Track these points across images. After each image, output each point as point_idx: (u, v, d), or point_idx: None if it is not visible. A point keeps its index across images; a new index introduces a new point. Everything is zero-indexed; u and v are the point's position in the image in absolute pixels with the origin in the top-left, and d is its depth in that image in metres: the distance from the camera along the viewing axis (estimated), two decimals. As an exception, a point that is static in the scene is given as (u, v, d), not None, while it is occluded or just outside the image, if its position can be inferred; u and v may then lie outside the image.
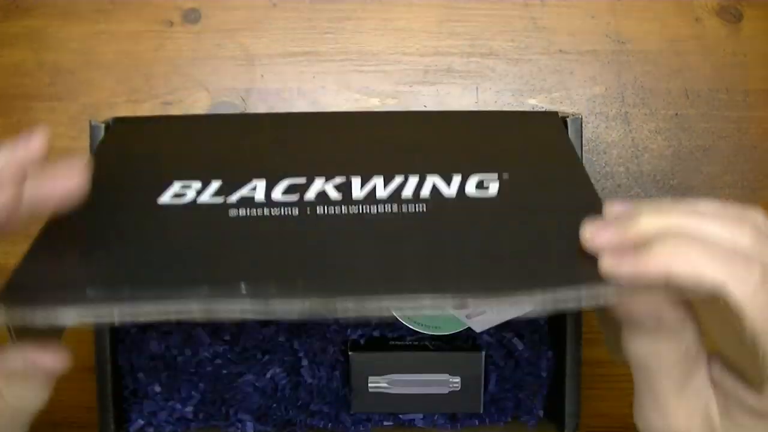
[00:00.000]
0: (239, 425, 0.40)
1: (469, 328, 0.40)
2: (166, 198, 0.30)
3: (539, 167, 0.33)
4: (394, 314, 0.39)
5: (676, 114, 0.48)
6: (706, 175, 0.48)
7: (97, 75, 0.48)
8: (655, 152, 0.48)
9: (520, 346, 0.40)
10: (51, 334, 0.29)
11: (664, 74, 0.48)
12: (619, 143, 0.48)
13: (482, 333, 0.40)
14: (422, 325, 0.40)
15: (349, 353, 0.39)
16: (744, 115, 0.48)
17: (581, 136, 0.39)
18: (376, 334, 0.40)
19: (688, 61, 0.48)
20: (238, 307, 0.24)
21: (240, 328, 0.40)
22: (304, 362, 0.40)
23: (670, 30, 0.48)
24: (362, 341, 0.40)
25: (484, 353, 0.39)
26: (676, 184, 0.48)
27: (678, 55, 0.48)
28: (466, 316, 0.39)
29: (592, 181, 0.32)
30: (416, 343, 0.40)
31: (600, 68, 0.49)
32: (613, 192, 0.48)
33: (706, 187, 0.48)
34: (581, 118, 0.39)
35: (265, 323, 0.40)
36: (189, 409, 0.40)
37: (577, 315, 0.39)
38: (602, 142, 0.48)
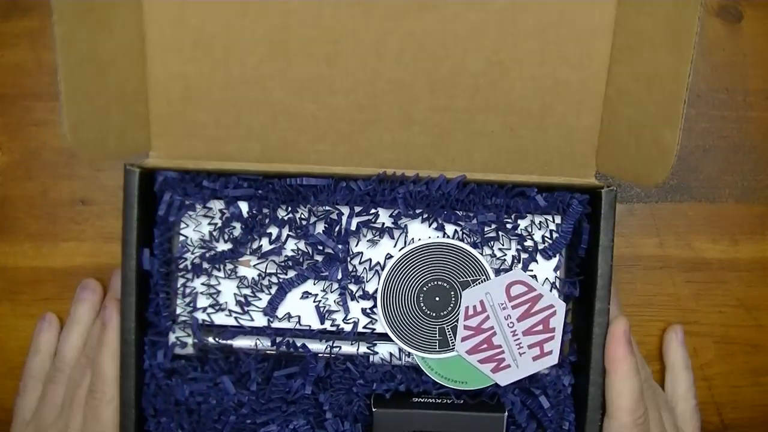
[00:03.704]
0: (259, 476, 0.40)
1: (496, 385, 0.40)
2: None
3: None
4: (422, 367, 0.40)
5: (676, 114, 0.49)
6: (706, 175, 0.48)
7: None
8: (654, 152, 0.48)
9: (546, 404, 0.41)
10: None
11: (664, 74, 0.49)
12: (619, 143, 0.49)
13: (508, 392, 0.41)
14: (448, 379, 0.40)
15: (374, 409, 0.39)
16: (744, 115, 0.48)
17: (614, 210, 0.39)
18: (401, 388, 0.41)
19: (688, 61, 0.48)
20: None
21: (266, 379, 0.41)
22: (329, 415, 0.40)
23: (670, 30, 0.48)
24: (388, 395, 0.40)
25: (506, 415, 0.40)
26: (675, 184, 0.48)
27: (678, 55, 0.48)
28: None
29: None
30: (440, 400, 0.41)
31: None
32: (613, 191, 0.48)
33: (706, 187, 0.48)
34: (616, 192, 0.39)
35: (291, 375, 0.41)
36: (211, 457, 0.40)
37: (603, 383, 0.39)
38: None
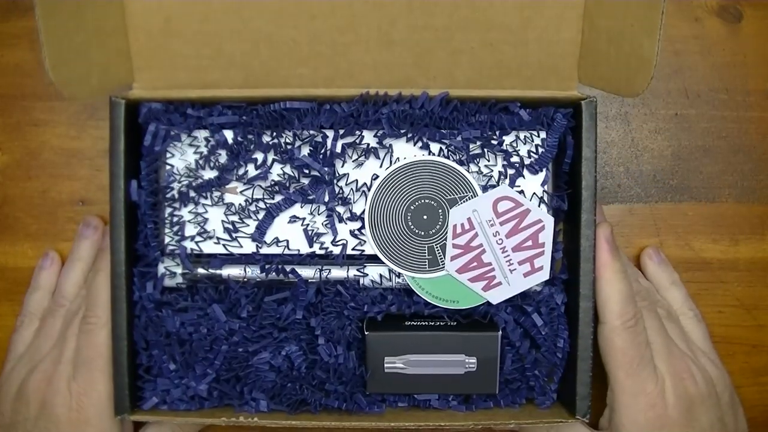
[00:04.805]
0: (253, 404, 0.40)
1: (488, 304, 0.40)
2: None
3: None
4: (412, 287, 0.40)
5: (676, 114, 0.48)
6: (706, 175, 0.48)
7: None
8: (655, 152, 0.48)
9: (540, 322, 0.40)
10: None
11: (664, 74, 0.48)
12: (618, 143, 0.48)
13: (500, 311, 0.40)
14: (440, 298, 0.40)
15: (366, 333, 0.39)
16: (744, 115, 0.48)
17: (596, 121, 0.39)
18: (393, 309, 0.40)
19: (687, 61, 0.48)
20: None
21: (257, 306, 0.41)
22: (321, 340, 0.40)
23: (670, 30, 0.48)
24: (379, 317, 0.40)
25: (500, 333, 0.39)
26: (675, 184, 0.48)
27: (677, 55, 0.48)
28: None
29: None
30: (433, 322, 0.40)
31: (599, 67, 0.49)
32: (613, 192, 0.48)
33: (706, 187, 0.48)
34: (596, 101, 0.39)
35: (282, 301, 0.40)
36: (203, 387, 0.40)
37: (593, 295, 0.39)
38: (602, 142, 0.48)
